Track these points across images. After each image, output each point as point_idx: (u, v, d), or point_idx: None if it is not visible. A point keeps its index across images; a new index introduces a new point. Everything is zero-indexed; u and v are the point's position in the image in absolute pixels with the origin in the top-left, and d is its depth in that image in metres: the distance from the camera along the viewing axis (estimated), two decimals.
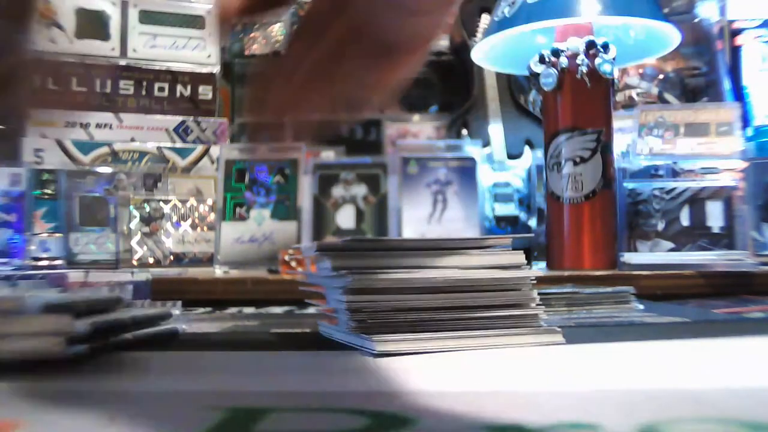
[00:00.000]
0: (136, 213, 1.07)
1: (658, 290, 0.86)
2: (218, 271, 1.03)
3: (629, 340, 0.48)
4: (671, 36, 1.01)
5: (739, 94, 1.32)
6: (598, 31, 1.02)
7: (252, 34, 1.52)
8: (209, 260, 1.07)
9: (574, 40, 0.99)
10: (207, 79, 1.24)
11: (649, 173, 1.08)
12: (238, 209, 1.08)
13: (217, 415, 0.28)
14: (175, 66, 1.23)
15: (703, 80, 1.34)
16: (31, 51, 0.31)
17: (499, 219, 1.23)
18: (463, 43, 1.42)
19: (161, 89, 1.22)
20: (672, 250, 1.01)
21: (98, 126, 1.18)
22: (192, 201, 1.10)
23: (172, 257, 1.07)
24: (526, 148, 1.30)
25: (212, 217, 1.09)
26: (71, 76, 1.18)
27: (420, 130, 1.50)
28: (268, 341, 0.53)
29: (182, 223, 1.08)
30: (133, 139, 1.18)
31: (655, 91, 1.35)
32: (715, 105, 1.15)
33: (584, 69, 0.97)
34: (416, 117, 1.52)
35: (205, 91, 1.24)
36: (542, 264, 1.04)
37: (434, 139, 1.43)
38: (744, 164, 1.03)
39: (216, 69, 1.25)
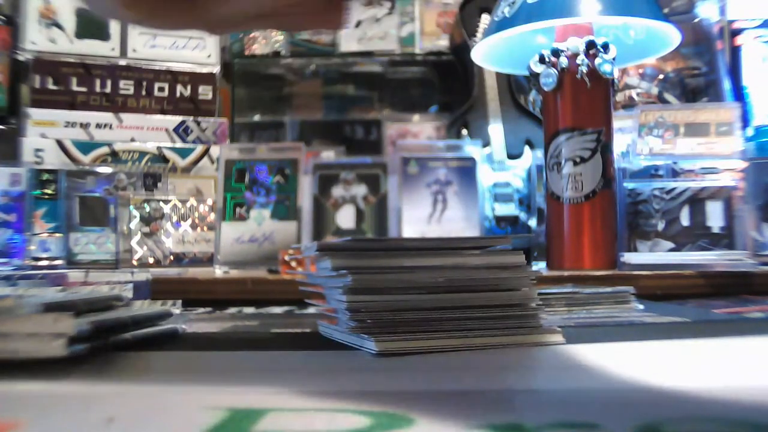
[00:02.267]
0: (136, 213, 1.07)
1: (658, 290, 0.86)
2: (218, 271, 1.03)
3: (629, 340, 0.48)
4: (671, 36, 1.01)
5: (739, 94, 1.32)
6: (598, 31, 1.02)
7: (252, 34, 1.52)
8: (209, 260, 1.08)
9: (574, 40, 0.99)
10: (207, 79, 1.24)
11: (649, 173, 1.08)
12: (238, 209, 1.08)
13: (217, 415, 0.28)
14: (175, 66, 1.23)
15: (703, 80, 1.34)
16: None
17: (499, 219, 1.23)
18: (463, 43, 1.42)
19: (161, 89, 1.22)
20: (672, 250, 1.01)
21: (98, 126, 1.18)
22: (192, 201, 1.10)
23: (172, 257, 1.07)
24: (526, 148, 1.30)
25: (212, 217, 1.09)
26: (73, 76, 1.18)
27: (420, 130, 1.50)
28: (268, 341, 0.53)
29: (182, 223, 1.08)
30: (133, 139, 1.18)
31: (655, 91, 1.35)
32: (715, 105, 1.15)
33: (584, 69, 0.97)
34: (416, 117, 1.52)
35: (205, 91, 1.24)
36: (542, 264, 1.04)
37: (434, 139, 1.43)
38: (744, 164, 1.03)
39: (216, 69, 1.25)
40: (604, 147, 0.99)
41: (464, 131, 1.37)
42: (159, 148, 1.18)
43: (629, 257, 0.96)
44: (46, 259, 1.07)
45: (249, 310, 0.80)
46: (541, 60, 1.01)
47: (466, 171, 1.16)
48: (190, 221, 1.09)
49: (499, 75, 1.36)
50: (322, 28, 0.36)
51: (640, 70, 1.35)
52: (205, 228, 1.09)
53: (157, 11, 0.33)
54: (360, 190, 1.14)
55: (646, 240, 1.02)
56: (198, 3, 0.33)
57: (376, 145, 1.50)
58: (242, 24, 0.34)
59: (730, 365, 0.40)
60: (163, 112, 1.21)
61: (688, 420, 0.27)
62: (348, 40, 1.51)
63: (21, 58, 1.20)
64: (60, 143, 1.14)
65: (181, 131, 1.20)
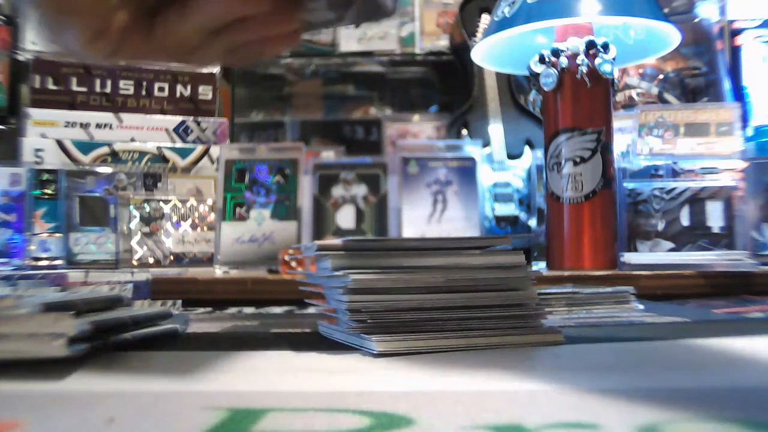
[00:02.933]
0: (136, 213, 1.07)
1: (658, 290, 0.86)
2: (218, 271, 1.03)
3: (629, 340, 0.48)
4: (671, 36, 1.01)
5: (739, 94, 1.32)
6: (598, 31, 1.02)
7: None
8: (209, 260, 1.07)
9: (574, 40, 0.99)
10: (207, 79, 1.24)
11: (649, 173, 1.08)
12: (238, 209, 1.08)
13: (217, 415, 0.28)
14: (175, 66, 1.23)
15: (703, 80, 1.34)
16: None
17: (499, 219, 1.23)
18: (463, 43, 1.42)
19: (161, 89, 1.22)
20: (672, 250, 1.01)
21: (98, 126, 1.18)
22: (192, 201, 1.10)
23: (172, 257, 1.07)
24: (526, 148, 1.30)
25: (212, 217, 1.09)
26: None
27: (420, 130, 1.50)
28: (268, 341, 0.53)
29: (182, 223, 1.08)
30: (133, 139, 1.18)
31: (655, 91, 1.35)
32: (715, 105, 1.15)
33: (584, 69, 0.97)
34: (416, 117, 1.52)
35: (205, 91, 1.24)
36: (542, 264, 1.03)
37: (434, 139, 1.43)
38: (744, 164, 1.03)
39: (216, 69, 1.25)
40: (604, 147, 0.99)
41: (464, 131, 1.37)
42: (159, 148, 1.18)
43: (629, 257, 0.96)
44: (46, 259, 1.07)
45: (249, 310, 0.80)
46: (541, 60, 1.01)
47: (466, 171, 1.16)
48: (190, 221, 1.09)
49: (499, 75, 1.36)
50: (276, 46, 0.37)
51: (640, 70, 1.35)
52: (205, 228, 1.09)
53: (119, 46, 0.34)
54: (360, 190, 1.14)
55: (646, 240, 1.02)
56: (157, 30, 0.34)
57: (376, 145, 1.50)
58: (199, 48, 0.35)
59: (730, 365, 0.40)
60: (163, 112, 1.21)
61: (688, 420, 0.27)
62: (348, 40, 1.51)
63: (21, 58, 1.20)
64: (60, 143, 1.14)
65: (181, 131, 1.20)
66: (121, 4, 0.33)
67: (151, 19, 0.34)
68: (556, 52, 0.99)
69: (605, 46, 0.98)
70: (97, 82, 1.19)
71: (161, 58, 0.36)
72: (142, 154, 1.17)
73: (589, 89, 0.98)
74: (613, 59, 0.98)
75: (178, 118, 1.21)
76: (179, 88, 1.22)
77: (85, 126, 1.17)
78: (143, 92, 1.21)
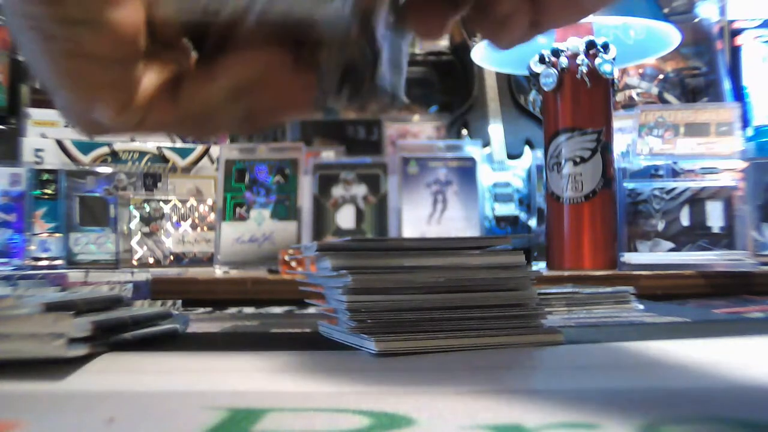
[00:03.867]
0: (136, 213, 1.07)
1: (658, 290, 0.86)
2: (218, 271, 1.03)
3: (629, 340, 0.48)
4: (671, 36, 1.01)
5: (739, 94, 1.32)
6: (598, 31, 1.02)
7: None
8: (209, 260, 1.07)
9: (574, 40, 0.99)
10: None
11: (649, 173, 1.08)
12: (238, 209, 1.08)
13: (217, 415, 0.28)
14: None
15: (703, 80, 1.34)
16: None
17: (499, 219, 1.23)
18: (463, 43, 1.42)
19: None
20: (672, 250, 1.01)
21: None
22: (192, 201, 1.10)
23: (172, 257, 1.07)
24: (526, 148, 1.30)
25: (212, 217, 1.09)
26: None
27: (420, 130, 1.50)
28: (268, 341, 0.53)
29: (182, 223, 1.08)
30: (133, 139, 1.18)
31: (655, 91, 1.35)
32: (715, 105, 1.15)
33: (584, 69, 0.97)
34: (416, 117, 1.52)
35: None
36: (542, 264, 1.04)
37: (434, 139, 1.43)
38: (744, 164, 1.03)
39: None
40: (604, 147, 0.99)
41: (464, 131, 1.37)
42: (159, 147, 1.18)
43: (629, 257, 0.96)
44: (46, 259, 1.07)
45: (249, 310, 0.80)
46: (541, 60, 1.01)
47: (466, 171, 1.16)
48: (190, 221, 1.09)
49: (499, 75, 1.36)
50: (292, 112, 0.38)
51: (640, 70, 1.35)
52: (205, 228, 1.09)
53: (146, 116, 0.33)
54: (360, 190, 1.14)
55: (646, 240, 1.02)
56: (182, 94, 0.33)
57: (376, 145, 1.50)
58: (219, 113, 0.35)
59: (730, 365, 0.40)
60: None
61: (688, 420, 0.27)
62: None
63: (21, 58, 1.20)
64: (60, 143, 1.14)
65: None
66: (146, 73, 0.32)
67: (175, 86, 0.33)
68: (556, 52, 0.99)
69: (605, 46, 0.98)
70: None
71: (183, 128, 0.36)
72: (142, 154, 1.17)
73: (589, 89, 0.98)
74: (613, 59, 0.98)
75: None
76: None
77: None
78: None
